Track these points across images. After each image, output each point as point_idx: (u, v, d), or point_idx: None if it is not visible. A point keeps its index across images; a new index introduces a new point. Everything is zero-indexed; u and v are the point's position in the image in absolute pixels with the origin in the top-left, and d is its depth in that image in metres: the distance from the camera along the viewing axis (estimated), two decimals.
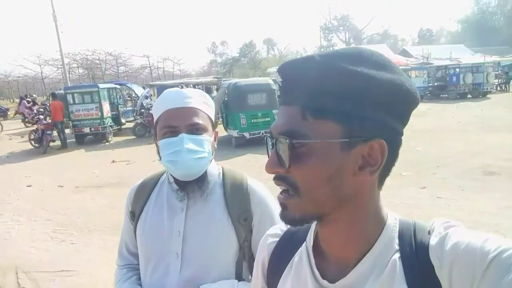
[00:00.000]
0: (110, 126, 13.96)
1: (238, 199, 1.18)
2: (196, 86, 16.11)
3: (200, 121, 1.15)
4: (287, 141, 0.58)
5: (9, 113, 27.23)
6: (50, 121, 12.82)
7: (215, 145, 1.24)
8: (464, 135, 9.97)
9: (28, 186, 7.75)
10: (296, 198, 0.60)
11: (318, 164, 0.57)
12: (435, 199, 5.34)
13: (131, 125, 14.84)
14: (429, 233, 0.62)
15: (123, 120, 16.05)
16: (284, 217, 0.62)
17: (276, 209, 1.19)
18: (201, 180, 1.18)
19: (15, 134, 16.74)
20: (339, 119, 0.57)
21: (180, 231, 1.16)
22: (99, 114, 13.33)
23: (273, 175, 0.62)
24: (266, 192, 1.25)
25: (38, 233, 5.26)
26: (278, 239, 0.78)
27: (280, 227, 0.81)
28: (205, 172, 1.19)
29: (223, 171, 1.26)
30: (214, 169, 1.25)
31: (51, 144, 12.18)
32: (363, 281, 0.61)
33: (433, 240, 0.59)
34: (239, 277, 1.19)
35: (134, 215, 1.25)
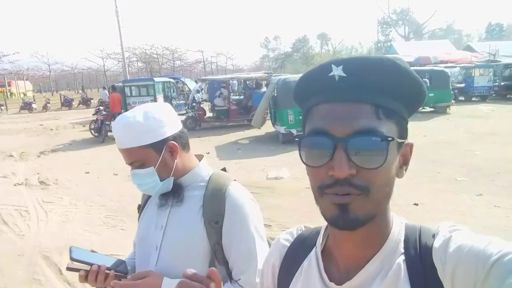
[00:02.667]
0: None
1: (213, 202, 1.22)
2: (247, 81, 16.26)
3: (133, 159, 1.22)
4: (374, 139, 0.57)
5: (73, 103, 29.28)
6: (109, 112, 13.60)
7: (172, 156, 1.24)
8: None
9: (86, 172, 8.28)
10: (362, 198, 0.58)
11: (389, 163, 0.59)
12: (491, 208, 4.97)
13: (183, 118, 15.33)
14: (433, 236, 0.62)
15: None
16: (343, 219, 0.58)
17: (252, 216, 1.21)
18: (175, 191, 1.26)
19: (77, 123, 17.95)
20: (398, 120, 0.61)
21: (162, 225, 1.25)
22: None
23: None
24: (244, 198, 1.24)
25: (93, 218, 5.61)
26: (289, 244, 0.80)
27: (291, 232, 0.83)
28: (178, 185, 1.27)
29: (211, 175, 1.30)
30: (203, 172, 1.31)
31: (109, 134, 12.91)
32: (368, 284, 0.63)
33: (436, 243, 0.60)
34: None
35: (139, 209, 1.41)
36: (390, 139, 0.57)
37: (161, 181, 1.23)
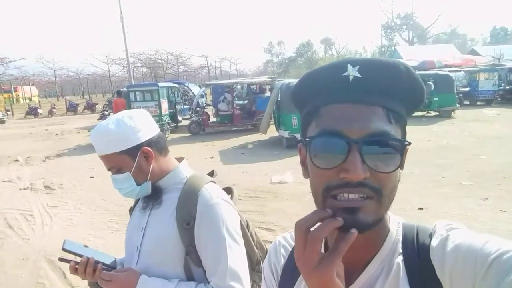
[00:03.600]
0: (168, 123, 14.55)
1: (186, 204, 1.25)
2: (251, 86, 16.29)
3: (111, 165, 1.28)
4: (390, 142, 0.57)
5: (79, 108, 29.48)
6: None
7: (147, 161, 1.29)
8: None
9: (91, 177, 8.30)
10: (374, 201, 0.57)
11: (399, 166, 0.58)
12: (497, 213, 4.93)
13: (187, 122, 15.37)
14: (430, 235, 0.62)
15: (179, 118, 16.65)
16: (354, 222, 0.56)
17: (224, 218, 1.21)
18: (154, 194, 1.31)
19: (82, 128, 18.05)
20: (403, 125, 0.61)
21: (142, 227, 1.31)
22: (158, 111, 13.94)
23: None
24: (217, 199, 1.25)
25: (97, 222, 5.62)
26: (291, 249, 0.79)
27: (291, 237, 0.81)
28: (156, 188, 1.31)
29: (189, 177, 1.33)
30: (181, 174, 1.34)
31: None
32: (371, 286, 0.62)
33: (434, 242, 0.60)
34: (190, 280, 1.25)
35: (130, 211, 1.48)
36: (406, 143, 0.58)
37: (138, 185, 1.28)
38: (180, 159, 1.41)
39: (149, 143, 1.29)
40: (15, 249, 4.77)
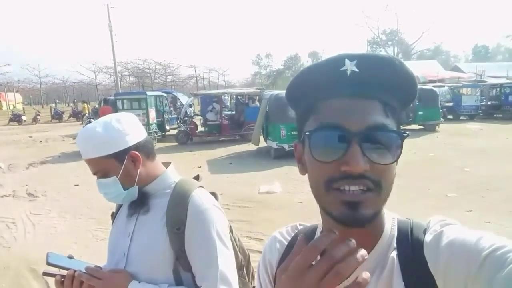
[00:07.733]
0: (155, 132, 14.44)
1: (176, 209, 1.23)
2: (239, 96, 16.36)
3: (97, 168, 1.24)
4: (389, 134, 0.58)
5: (64, 116, 29.07)
6: None
7: (135, 165, 1.26)
8: None
9: (75, 185, 8.15)
10: (374, 195, 0.57)
11: (397, 159, 0.59)
12: (482, 224, 5.01)
13: (175, 132, 15.29)
14: (424, 231, 0.63)
15: (167, 127, 16.55)
16: (353, 216, 0.56)
17: (215, 222, 1.21)
18: (141, 200, 1.29)
19: (67, 135, 17.76)
20: (397, 119, 0.62)
21: (130, 232, 1.28)
22: (146, 120, 13.84)
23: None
24: (207, 204, 1.24)
25: (81, 230, 5.51)
26: (287, 243, 0.80)
27: (287, 230, 0.83)
28: (143, 193, 1.29)
29: (177, 182, 1.31)
30: (169, 179, 1.33)
31: None
32: None
33: (427, 237, 0.61)
34: (179, 285, 1.24)
35: (113, 216, 1.45)
36: (405, 134, 0.58)
37: (124, 190, 1.25)
38: (167, 164, 1.39)
39: (137, 147, 1.26)
40: None
